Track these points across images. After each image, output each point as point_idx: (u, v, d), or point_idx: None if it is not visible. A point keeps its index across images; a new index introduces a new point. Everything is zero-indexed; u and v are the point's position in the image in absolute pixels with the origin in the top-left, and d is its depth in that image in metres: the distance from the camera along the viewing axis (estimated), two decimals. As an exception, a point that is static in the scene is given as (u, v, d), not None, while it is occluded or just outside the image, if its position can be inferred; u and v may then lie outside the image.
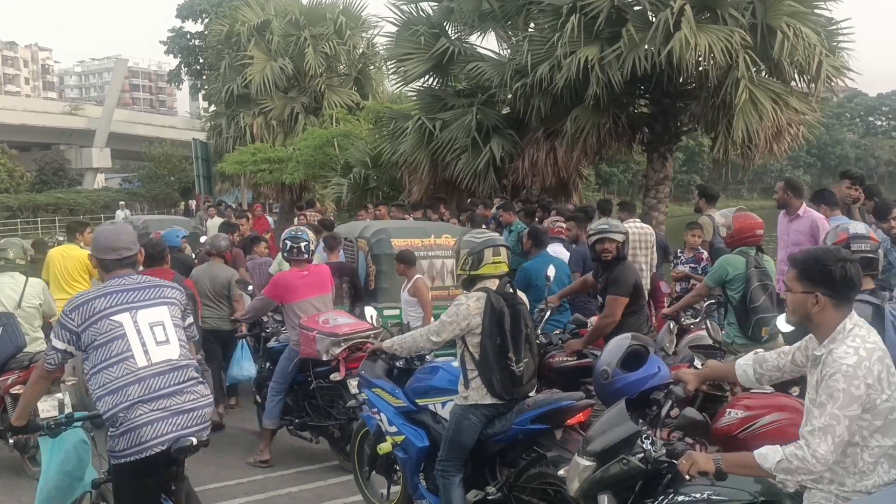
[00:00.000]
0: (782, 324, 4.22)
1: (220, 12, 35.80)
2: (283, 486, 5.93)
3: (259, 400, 6.85)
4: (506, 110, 14.76)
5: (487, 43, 34.66)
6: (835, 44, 12.70)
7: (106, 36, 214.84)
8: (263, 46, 27.31)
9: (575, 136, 12.87)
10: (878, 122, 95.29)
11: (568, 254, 7.94)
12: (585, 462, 3.06)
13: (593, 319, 5.94)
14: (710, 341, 5.52)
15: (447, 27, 15.12)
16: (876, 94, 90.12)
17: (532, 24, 14.07)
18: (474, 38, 15.31)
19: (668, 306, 7.15)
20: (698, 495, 2.87)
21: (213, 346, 7.51)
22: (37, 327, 6.64)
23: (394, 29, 15.57)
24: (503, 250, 4.45)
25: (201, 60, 42.20)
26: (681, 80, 12.72)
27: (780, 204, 6.75)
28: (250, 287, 7.94)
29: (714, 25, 11.53)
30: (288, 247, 6.34)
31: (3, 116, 48.55)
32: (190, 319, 3.67)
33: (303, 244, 6.28)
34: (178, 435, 3.31)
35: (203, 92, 42.51)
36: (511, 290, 4.41)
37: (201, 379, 3.55)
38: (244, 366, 7.22)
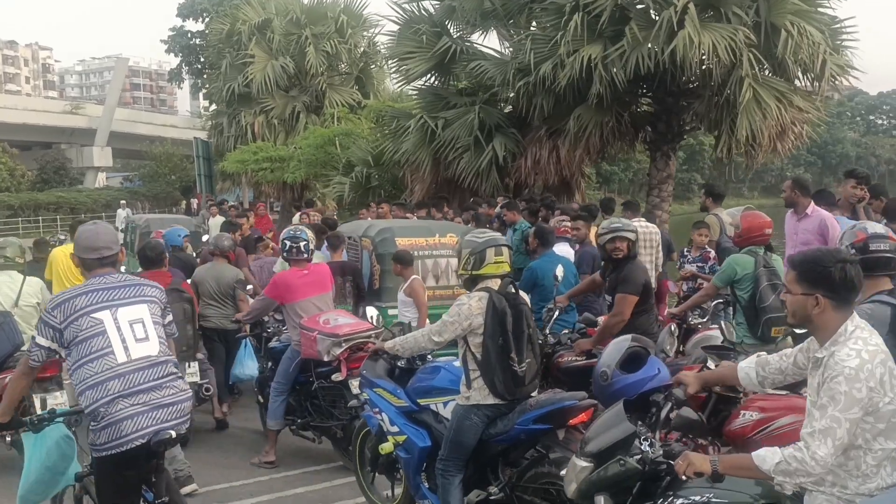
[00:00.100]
0: None
1: (220, 11, 35.81)
2: (288, 487, 5.90)
3: (261, 400, 6.82)
4: (508, 109, 14.76)
5: (489, 41, 34.63)
6: (839, 42, 12.68)
7: (106, 35, 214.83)
8: (264, 45, 27.30)
9: (578, 134, 12.86)
10: (879, 121, 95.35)
11: (572, 252, 7.90)
12: (583, 463, 3.05)
13: (601, 319, 5.91)
14: (719, 341, 5.48)
15: (449, 26, 15.12)
16: (877, 92, 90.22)
17: (534, 23, 14.07)
18: (476, 37, 15.35)
19: (676, 306, 7.11)
20: (697, 498, 2.83)
21: (217, 345, 7.49)
22: (34, 326, 6.61)
23: (395, 27, 15.60)
24: (505, 250, 4.43)
25: (202, 59, 42.24)
26: (684, 79, 12.71)
27: (787, 203, 6.72)
28: (249, 287, 7.90)
29: (718, 24, 11.51)
30: (287, 247, 6.32)
31: (3, 115, 48.51)
32: (169, 317, 3.76)
33: (302, 244, 6.27)
34: (158, 428, 3.40)
35: (204, 91, 42.56)
36: (513, 290, 4.39)
37: (180, 374, 3.64)
38: (247, 364, 7.21)
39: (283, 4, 28.16)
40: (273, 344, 6.82)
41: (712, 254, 7.90)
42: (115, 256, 3.69)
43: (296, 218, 13.15)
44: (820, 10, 12.36)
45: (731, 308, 5.82)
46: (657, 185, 13.61)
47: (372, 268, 8.18)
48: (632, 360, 4.24)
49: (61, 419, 3.75)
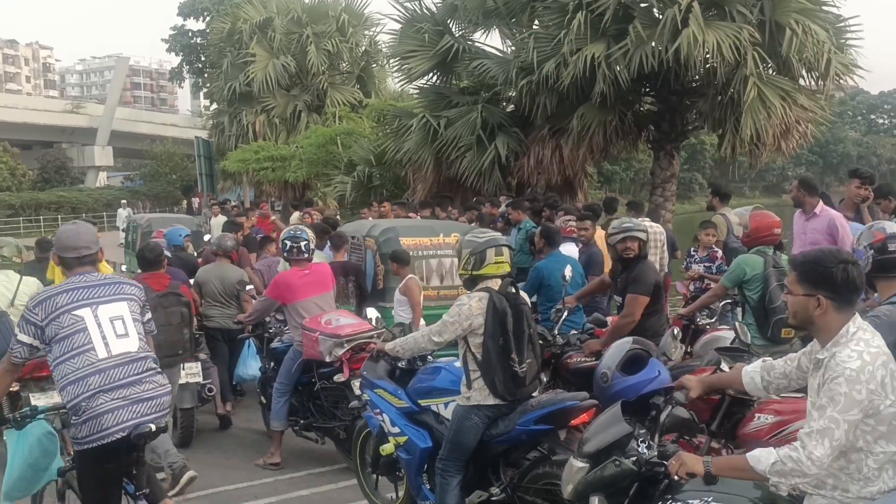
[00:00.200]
0: None
1: (221, 10, 35.82)
2: (293, 489, 5.85)
3: (263, 400, 6.79)
4: (511, 108, 14.72)
5: (492, 40, 34.58)
6: (843, 41, 12.64)
7: (107, 34, 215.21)
8: (265, 44, 27.29)
9: (581, 133, 12.82)
10: (880, 120, 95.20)
11: (577, 251, 7.85)
12: (579, 464, 3.03)
13: (611, 319, 5.86)
14: (728, 342, 5.41)
15: (451, 24, 15.10)
16: (878, 91, 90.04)
17: (537, 21, 14.04)
18: (478, 36, 15.34)
19: (683, 306, 7.05)
20: (696, 501, 2.79)
21: (221, 345, 7.48)
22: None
23: (397, 26, 15.58)
24: (506, 250, 4.40)
25: (203, 58, 42.27)
26: (688, 78, 12.68)
27: (795, 202, 6.66)
28: (249, 286, 7.87)
29: (722, 22, 11.47)
30: (288, 247, 6.29)
31: (4, 114, 48.50)
32: (148, 315, 3.86)
33: (302, 243, 6.24)
34: (138, 422, 3.49)
35: (205, 90, 42.58)
36: (514, 291, 4.37)
37: (159, 369, 3.73)
38: (250, 364, 7.20)
39: (284, 3, 28.17)
40: (275, 344, 6.78)
41: (719, 254, 7.84)
42: (95, 255, 3.81)
43: (295, 217, 13.09)
44: (824, 8, 12.33)
45: (738, 309, 5.75)
46: (660, 185, 13.57)
47: (376, 268, 8.13)
48: (633, 362, 4.22)
49: (42, 416, 3.83)
